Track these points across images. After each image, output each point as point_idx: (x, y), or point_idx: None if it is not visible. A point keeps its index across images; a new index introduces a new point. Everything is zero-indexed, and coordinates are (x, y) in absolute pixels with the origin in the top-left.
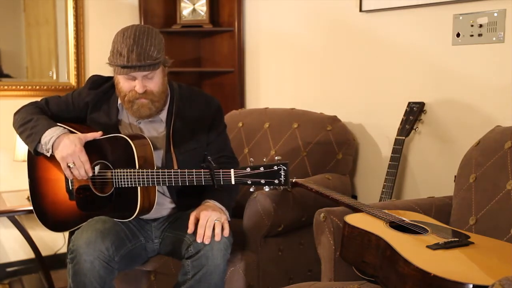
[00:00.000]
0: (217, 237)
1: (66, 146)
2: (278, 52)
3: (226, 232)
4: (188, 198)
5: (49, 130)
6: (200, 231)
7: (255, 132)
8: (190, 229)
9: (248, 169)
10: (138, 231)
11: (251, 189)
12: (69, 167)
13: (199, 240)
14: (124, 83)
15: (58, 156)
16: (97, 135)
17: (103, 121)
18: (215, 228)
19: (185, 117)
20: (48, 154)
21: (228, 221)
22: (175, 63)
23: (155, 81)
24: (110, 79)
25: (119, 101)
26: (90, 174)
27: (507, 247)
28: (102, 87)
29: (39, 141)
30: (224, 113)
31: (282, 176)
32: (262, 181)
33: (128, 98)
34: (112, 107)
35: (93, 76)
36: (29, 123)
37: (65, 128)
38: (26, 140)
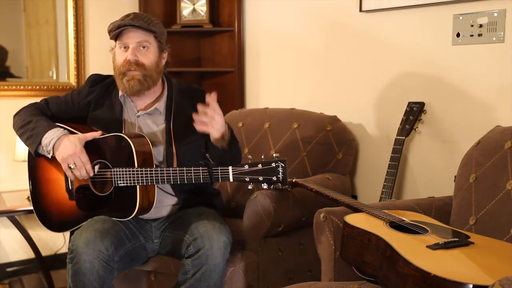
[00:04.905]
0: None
1: (67, 147)
2: (278, 52)
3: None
4: (192, 196)
5: (49, 131)
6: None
7: (255, 132)
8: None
9: (246, 166)
10: (137, 231)
11: (250, 187)
12: (70, 168)
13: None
14: (119, 57)
15: (59, 157)
16: (96, 134)
17: (106, 117)
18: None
19: (184, 110)
20: (49, 156)
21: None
22: (175, 63)
23: (148, 55)
24: (109, 77)
25: (120, 93)
26: (91, 174)
27: (507, 247)
28: (103, 84)
29: (40, 143)
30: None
31: (280, 173)
32: (260, 178)
33: (120, 71)
34: (115, 103)
35: (93, 75)
36: (29, 124)
37: (65, 129)
38: (26, 141)
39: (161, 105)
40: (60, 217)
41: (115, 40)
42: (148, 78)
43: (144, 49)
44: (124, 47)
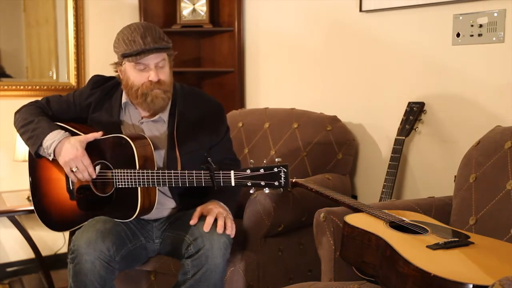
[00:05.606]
0: (220, 229)
1: (68, 150)
2: (278, 52)
3: (229, 230)
4: (190, 199)
5: (51, 134)
6: (209, 220)
7: (255, 132)
8: (194, 221)
9: (248, 171)
10: (138, 231)
11: (251, 191)
12: (72, 171)
13: (206, 229)
14: (136, 77)
15: (61, 161)
16: (97, 135)
17: (105, 120)
18: (219, 220)
19: (187, 118)
20: (50, 158)
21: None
22: (175, 63)
23: (165, 71)
24: (111, 78)
25: (123, 100)
26: (94, 177)
27: (507, 247)
28: (104, 86)
29: (41, 145)
30: (226, 115)
31: (282, 178)
32: (262, 183)
33: (141, 91)
34: (114, 106)
35: (95, 76)
36: (30, 124)
37: (66, 131)
38: (27, 142)
39: (165, 113)
40: (61, 216)
41: (124, 58)
42: (168, 92)
43: (162, 67)
44: (143, 68)
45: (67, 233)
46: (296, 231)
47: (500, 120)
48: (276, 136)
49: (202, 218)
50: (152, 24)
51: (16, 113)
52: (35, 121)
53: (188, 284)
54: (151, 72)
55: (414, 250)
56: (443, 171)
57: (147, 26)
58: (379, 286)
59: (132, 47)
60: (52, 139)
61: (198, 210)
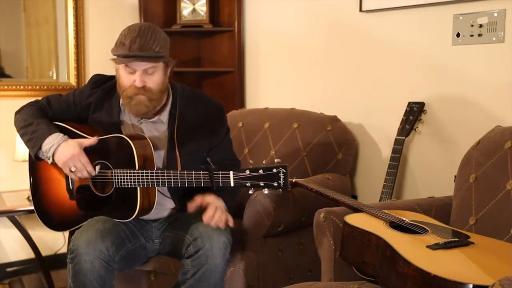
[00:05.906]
0: (220, 222)
1: (65, 151)
2: (278, 52)
3: (229, 222)
4: (189, 199)
5: (49, 137)
6: (209, 212)
7: (255, 132)
8: (191, 208)
9: (247, 172)
10: (138, 231)
11: (250, 191)
12: (71, 171)
13: (207, 221)
14: (125, 78)
15: (59, 163)
16: (93, 142)
17: (104, 120)
18: (218, 213)
19: (187, 119)
20: (49, 162)
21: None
22: (175, 63)
23: (154, 78)
24: (112, 78)
25: (121, 101)
26: (94, 174)
27: (507, 247)
28: (104, 86)
29: (40, 148)
30: (226, 116)
31: (281, 179)
32: (261, 183)
33: (127, 94)
34: (114, 107)
35: (95, 75)
36: (30, 126)
37: (66, 131)
38: (27, 144)
39: (164, 115)
40: (60, 216)
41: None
42: (154, 101)
43: (151, 74)
44: (131, 71)
45: (67, 233)
46: (296, 231)
47: (500, 120)
48: (276, 136)
49: (202, 218)
50: (153, 27)
51: (16, 113)
52: (34, 123)
53: (188, 284)
54: (137, 76)
55: (414, 250)
56: (443, 171)
57: (144, 30)
58: (379, 286)
59: (119, 50)
60: (51, 143)
61: (198, 200)
